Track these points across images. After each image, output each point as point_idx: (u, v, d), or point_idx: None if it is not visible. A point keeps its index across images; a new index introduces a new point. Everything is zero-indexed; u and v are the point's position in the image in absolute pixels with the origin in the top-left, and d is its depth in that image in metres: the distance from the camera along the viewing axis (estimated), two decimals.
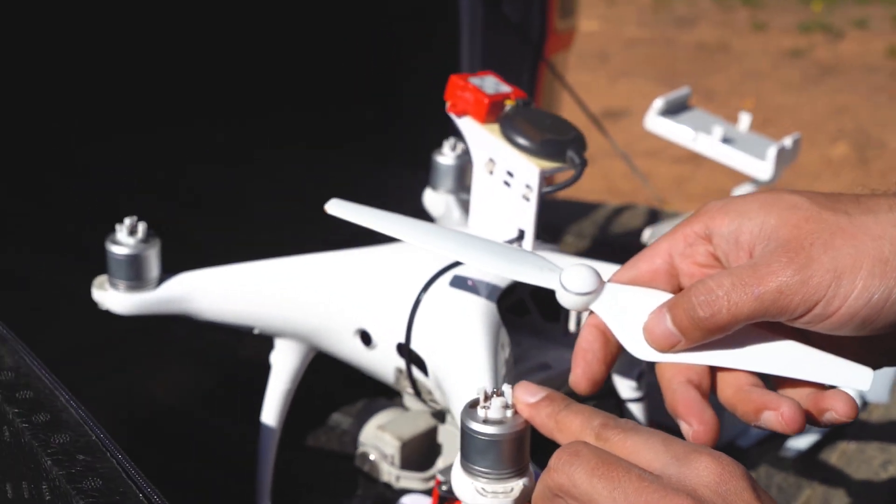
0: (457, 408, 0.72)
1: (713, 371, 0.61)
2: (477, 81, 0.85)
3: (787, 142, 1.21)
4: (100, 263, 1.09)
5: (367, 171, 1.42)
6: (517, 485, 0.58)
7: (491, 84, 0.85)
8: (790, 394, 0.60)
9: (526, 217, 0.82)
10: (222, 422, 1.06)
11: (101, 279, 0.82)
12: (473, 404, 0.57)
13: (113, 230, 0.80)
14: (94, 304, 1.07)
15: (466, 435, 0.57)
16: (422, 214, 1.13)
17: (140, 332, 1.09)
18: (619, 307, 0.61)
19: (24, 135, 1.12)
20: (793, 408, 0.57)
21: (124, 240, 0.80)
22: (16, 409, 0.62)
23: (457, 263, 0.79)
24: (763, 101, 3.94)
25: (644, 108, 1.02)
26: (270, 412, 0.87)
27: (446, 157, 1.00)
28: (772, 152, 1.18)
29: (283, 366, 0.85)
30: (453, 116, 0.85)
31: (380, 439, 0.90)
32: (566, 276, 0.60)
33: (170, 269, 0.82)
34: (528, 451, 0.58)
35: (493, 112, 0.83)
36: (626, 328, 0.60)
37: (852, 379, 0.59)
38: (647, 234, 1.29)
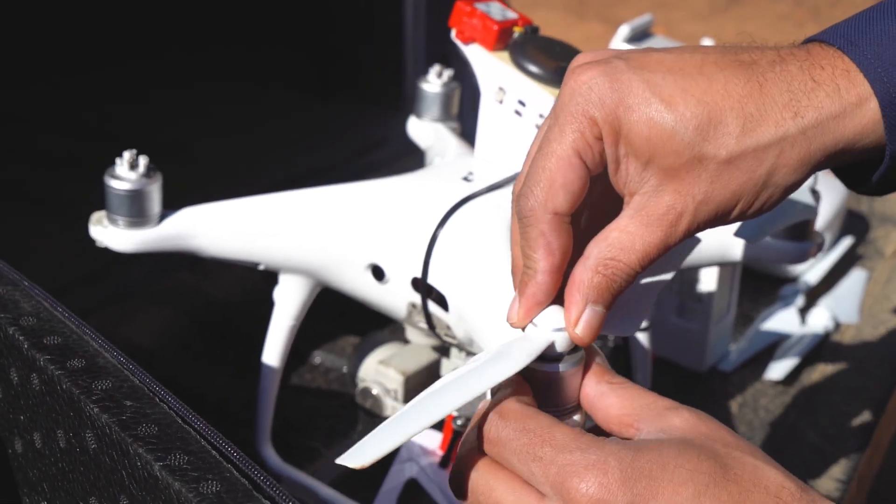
0: (488, 343, 0.70)
1: None
2: (483, 7, 0.82)
3: None
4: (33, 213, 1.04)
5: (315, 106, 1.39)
6: (572, 422, 0.56)
7: (497, 10, 0.82)
8: None
9: None
10: (201, 365, 1.03)
11: (98, 215, 0.78)
12: None
13: (112, 164, 0.76)
14: (46, 255, 1.02)
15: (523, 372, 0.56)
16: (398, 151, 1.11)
17: (96, 276, 1.05)
18: None
19: None
20: None
21: (125, 174, 0.76)
22: (46, 355, 0.58)
23: (471, 196, 0.77)
24: (673, 30, 3.95)
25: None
26: (273, 351, 0.84)
27: (432, 84, 0.97)
28: None
29: (288, 302, 0.82)
30: (459, 44, 0.82)
31: (382, 374, 0.88)
32: (543, 321, 0.54)
33: None
34: (580, 386, 0.57)
35: (502, 39, 0.81)
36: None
37: None
38: None
